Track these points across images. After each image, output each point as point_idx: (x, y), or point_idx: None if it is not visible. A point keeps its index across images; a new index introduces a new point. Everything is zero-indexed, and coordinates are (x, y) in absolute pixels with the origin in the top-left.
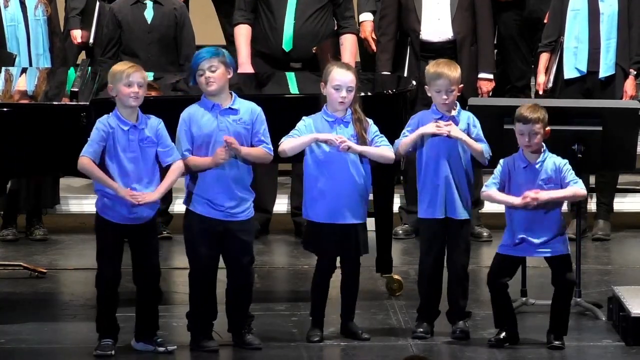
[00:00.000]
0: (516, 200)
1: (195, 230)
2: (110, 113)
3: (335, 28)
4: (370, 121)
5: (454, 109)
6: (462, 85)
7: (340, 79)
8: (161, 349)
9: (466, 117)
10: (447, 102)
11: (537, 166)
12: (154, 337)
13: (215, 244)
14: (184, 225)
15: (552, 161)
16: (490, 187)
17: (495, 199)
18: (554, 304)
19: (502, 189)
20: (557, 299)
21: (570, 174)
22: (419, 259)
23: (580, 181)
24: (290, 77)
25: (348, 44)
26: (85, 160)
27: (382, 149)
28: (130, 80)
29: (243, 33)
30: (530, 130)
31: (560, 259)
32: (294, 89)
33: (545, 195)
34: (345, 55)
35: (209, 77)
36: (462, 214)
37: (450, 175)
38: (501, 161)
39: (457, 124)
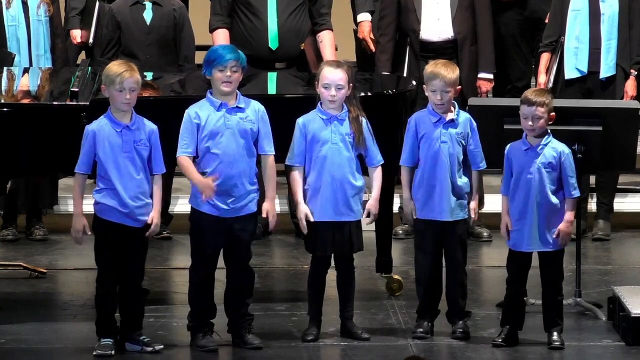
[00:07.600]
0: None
1: (200, 229)
2: (102, 116)
3: (311, 26)
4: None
5: (452, 111)
6: (460, 87)
7: (329, 77)
8: (148, 348)
9: (464, 119)
10: (441, 102)
11: (538, 149)
12: (136, 336)
13: (219, 242)
14: (190, 223)
15: (554, 147)
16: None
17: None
18: (545, 300)
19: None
20: (547, 294)
21: (571, 172)
22: (414, 259)
23: (577, 190)
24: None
25: (327, 41)
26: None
27: (378, 180)
28: (122, 86)
29: (222, 37)
30: (534, 114)
31: (554, 253)
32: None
33: (569, 226)
34: (327, 52)
35: (229, 76)
36: (458, 215)
37: (447, 176)
38: (505, 152)
39: (456, 126)
